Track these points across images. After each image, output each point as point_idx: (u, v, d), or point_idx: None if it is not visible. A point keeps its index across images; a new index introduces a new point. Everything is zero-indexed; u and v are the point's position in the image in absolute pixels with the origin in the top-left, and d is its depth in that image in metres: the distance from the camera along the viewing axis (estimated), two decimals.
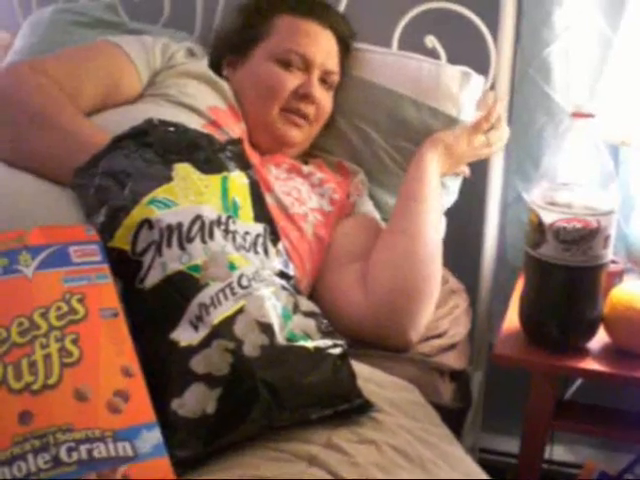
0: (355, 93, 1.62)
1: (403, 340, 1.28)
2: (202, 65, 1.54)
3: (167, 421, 0.84)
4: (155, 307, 0.93)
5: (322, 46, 1.52)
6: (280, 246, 1.09)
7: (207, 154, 1.09)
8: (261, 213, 1.10)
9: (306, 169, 1.48)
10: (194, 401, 0.87)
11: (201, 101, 1.40)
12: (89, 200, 1.03)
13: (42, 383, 0.79)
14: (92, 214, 1.01)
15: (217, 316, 0.92)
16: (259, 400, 0.89)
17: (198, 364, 0.89)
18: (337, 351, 0.99)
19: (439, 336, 1.36)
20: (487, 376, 1.87)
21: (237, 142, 1.18)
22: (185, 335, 0.90)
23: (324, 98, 1.53)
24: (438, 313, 1.38)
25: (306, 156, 1.61)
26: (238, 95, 1.50)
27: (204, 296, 0.93)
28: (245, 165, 1.13)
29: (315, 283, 1.36)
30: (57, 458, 0.75)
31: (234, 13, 1.64)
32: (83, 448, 0.76)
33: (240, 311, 0.93)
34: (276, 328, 0.94)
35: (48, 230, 0.93)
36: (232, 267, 0.97)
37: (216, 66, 1.58)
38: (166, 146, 1.07)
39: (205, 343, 0.90)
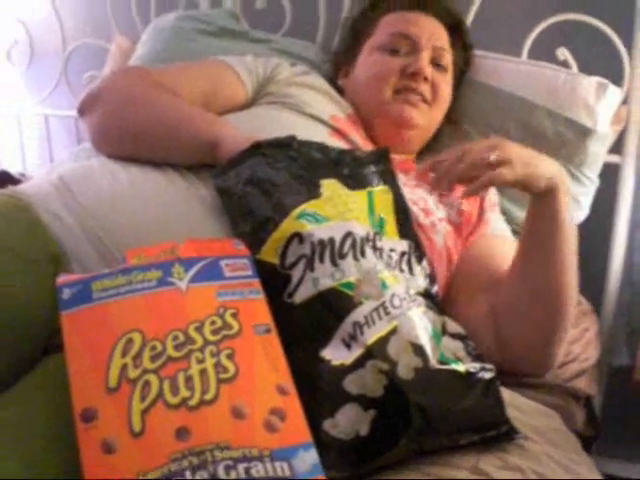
0: (485, 101, 1.59)
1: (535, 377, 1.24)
2: (319, 78, 1.54)
3: (318, 441, 0.81)
4: (305, 323, 0.91)
5: (426, 27, 1.49)
6: (425, 263, 1.06)
7: (351, 170, 1.07)
8: (406, 229, 1.06)
9: None
10: (347, 422, 0.85)
11: (322, 110, 1.39)
12: (233, 207, 1.02)
13: (199, 398, 0.77)
14: (237, 223, 1.01)
15: (371, 336, 0.89)
16: (411, 424, 0.86)
17: (351, 384, 0.86)
18: (487, 375, 0.95)
19: (572, 361, 1.31)
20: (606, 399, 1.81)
21: (383, 153, 1.15)
22: (337, 354, 0.88)
23: (439, 79, 1.48)
24: (570, 335, 1.34)
25: None
26: (354, 98, 1.49)
27: (358, 315, 0.90)
28: (390, 178, 1.11)
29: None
30: (215, 476, 0.73)
31: (345, 25, 1.64)
32: (241, 467, 0.74)
33: (393, 332, 0.91)
34: (428, 350, 0.91)
35: (199, 243, 0.92)
36: (384, 286, 0.94)
37: (333, 79, 1.59)
38: (311, 162, 1.05)
39: (359, 363, 0.87)
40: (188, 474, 0.73)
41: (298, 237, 0.94)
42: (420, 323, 0.94)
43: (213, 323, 0.83)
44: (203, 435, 0.75)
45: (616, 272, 1.70)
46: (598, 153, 1.58)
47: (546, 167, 1.10)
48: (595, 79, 1.56)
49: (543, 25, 1.67)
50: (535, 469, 0.92)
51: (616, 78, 1.61)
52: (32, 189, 1.22)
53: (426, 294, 1.02)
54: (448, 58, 1.51)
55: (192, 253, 0.90)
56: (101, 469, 0.72)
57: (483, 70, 1.63)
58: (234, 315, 0.85)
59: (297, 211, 0.96)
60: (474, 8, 1.73)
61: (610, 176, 1.66)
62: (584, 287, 1.60)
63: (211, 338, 0.82)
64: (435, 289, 1.06)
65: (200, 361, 0.80)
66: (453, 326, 1.00)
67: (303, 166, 1.04)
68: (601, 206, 1.67)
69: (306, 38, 1.85)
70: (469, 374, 0.94)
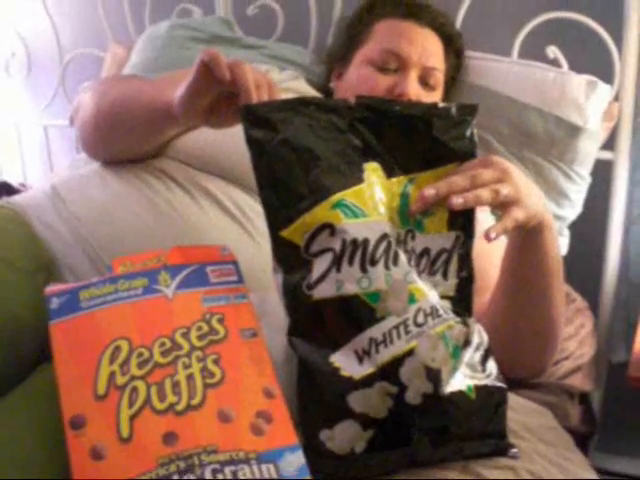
0: (475, 101, 1.59)
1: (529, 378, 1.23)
2: (305, 84, 1.56)
3: (312, 448, 0.82)
4: (318, 321, 0.86)
5: (418, 43, 1.47)
6: (468, 260, 0.95)
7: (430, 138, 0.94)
8: (459, 218, 0.93)
9: None
10: (344, 438, 0.83)
11: None
12: (262, 166, 0.89)
13: (186, 404, 0.78)
14: (264, 186, 0.89)
15: (386, 356, 0.84)
16: (410, 445, 0.85)
17: (356, 401, 0.83)
18: (496, 397, 0.92)
19: (566, 358, 1.32)
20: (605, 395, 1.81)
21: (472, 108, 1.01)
22: (347, 364, 0.84)
23: (425, 99, 1.46)
24: (564, 333, 1.34)
25: None
26: None
27: (377, 331, 0.84)
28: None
29: None
30: None
31: (340, 26, 1.65)
32: (228, 470, 0.75)
33: (410, 353, 0.84)
34: (443, 374, 0.86)
35: (185, 250, 0.93)
36: (412, 300, 0.87)
37: (326, 80, 1.60)
38: (361, 136, 0.93)
39: (367, 382, 0.83)
40: (175, 478, 0.73)
41: (330, 229, 0.85)
42: (441, 343, 0.87)
43: (199, 329, 0.84)
44: (190, 439, 0.76)
45: (613, 268, 1.70)
46: (589, 151, 1.58)
47: (536, 202, 1.00)
48: (584, 77, 1.57)
49: (533, 24, 1.67)
50: (527, 467, 0.92)
51: (607, 75, 1.62)
52: (25, 199, 1.24)
53: (456, 298, 0.94)
54: (438, 77, 1.49)
55: (178, 260, 0.91)
56: (90, 476, 0.73)
57: (473, 71, 1.63)
58: (220, 320, 0.85)
59: (336, 197, 0.86)
60: (463, 8, 1.73)
61: (604, 172, 1.66)
62: (581, 284, 1.61)
63: (197, 344, 0.83)
64: (470, 288, 0.96)
65: (187, 366, 0.81)
66: (477, 335, 0.93)
67: (350, 142, 0.92)
68: (596, 202, 1.67)
69: (299, 43, 1.85)
70: (479, 397, 0.89)
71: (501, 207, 0.94)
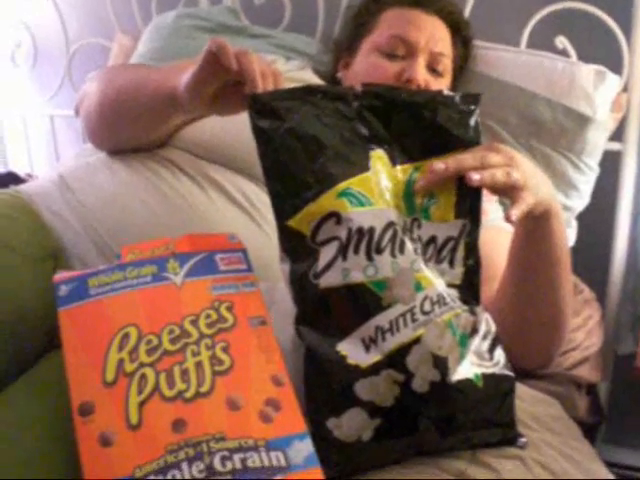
0: (485, 92, 1.58)
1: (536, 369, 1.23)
2: (311, 73, 1.55)
3: (320, 436, 0.82)
4: (325, 310, 0.86)
5: (426, 30, 1.46)
6: (475, 249, 0.95)
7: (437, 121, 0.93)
8: (465, 206, 0.92)
9: None
10: (352, 426, 0.84)
11: None
12: (268, 156, 0.88)
13: (195, 391, 0.78)
14: (270, 176, 0.88)
15: (392, 344, 0.84)
16: (417, 433, 0.86)
17: (363, 389, 0.83)
18: (505, 386, 0.92)
19: (574, 349, 1.31)
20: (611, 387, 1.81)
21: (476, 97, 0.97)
22: (354, 352, 0.84)
23: (434, 85, 1.45)
24: (572, 323, 1.34)
25: None
26: None
27: (383, 319, 0.84)
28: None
29: None
30: (211, 467, 0.73)
31: (347, 16, 1.64)
32: (237, 457, 0.75)
33: (417, 341, 0.84)
34: (450, 362, 0.85)
35: (194, 238, 0.93)
36: (418, 288, 0.86)
37: (333, 70, 1.60)
38: (368, 125, 0.92)
39: (374, 370, 0.83)
40: (184, 465, 0.73)
41: (336, 217, 0.85)
42: (448, 331, 0.87)
43: (208, 316, 0.84)
44: (199, 426, 0.76)
45: (620, 259, 1.70)
46: (598, 141, 1.58)
47: (543, 190, 0.99)
48: (593, 67, 1.56)
49: (541, 14, 1.67)
50: (535, 457, 0.92)
51: (616, 66, 1.61)
52: (33, 188, 1.24)
53: (463, 286, 0.93)
54: (446, 63, 1.48)
55: (187, 248, 0.91)
56: (99, 462, 0.73)
57: (482, 61, 1.63)
58: (229, 308, 0.86)
59: (342, 186, 0.86)
60: None
61: (612, 163, 1.66)
62: (588, 275, 1.61)
63: (206, 331, 0.83)
64: (477, 277, 0.96)
65: (195, 354, 0.81)
66: (485, 324, 0.93)
67: (357, 130, 0.92)
68: (604, 193, 1.67)
69: (306, 32, 1.85)
70: (486, 385, 0.89)
71: (511, 192, 0.93)
